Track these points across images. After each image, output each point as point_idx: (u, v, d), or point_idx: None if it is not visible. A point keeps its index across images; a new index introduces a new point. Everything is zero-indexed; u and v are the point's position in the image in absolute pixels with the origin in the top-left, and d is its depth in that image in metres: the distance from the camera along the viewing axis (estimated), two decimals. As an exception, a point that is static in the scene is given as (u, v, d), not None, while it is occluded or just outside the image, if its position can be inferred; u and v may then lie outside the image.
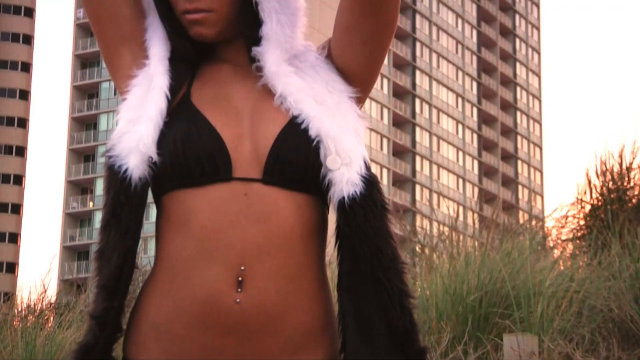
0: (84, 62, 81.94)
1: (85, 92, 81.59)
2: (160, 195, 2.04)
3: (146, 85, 2.06)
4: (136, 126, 2.01)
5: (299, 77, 2.07)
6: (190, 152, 1.99)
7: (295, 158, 1.99)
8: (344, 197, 1.98)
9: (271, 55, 2.07)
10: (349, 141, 2.02)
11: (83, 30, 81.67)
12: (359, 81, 2.12)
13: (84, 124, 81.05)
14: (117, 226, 1.99)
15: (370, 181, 2.01)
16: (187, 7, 2.07)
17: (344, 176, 1.99)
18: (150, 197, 2.07)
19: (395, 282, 1.99)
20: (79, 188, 79.54)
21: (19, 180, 77.78)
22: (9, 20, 79.68)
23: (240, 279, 1.94)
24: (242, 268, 1.95)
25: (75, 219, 78.52)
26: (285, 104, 2.05)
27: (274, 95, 2.06)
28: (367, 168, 2.03)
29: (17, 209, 77.12)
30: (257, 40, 2.09)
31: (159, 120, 2.01)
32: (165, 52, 2.10)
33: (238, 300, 1.94)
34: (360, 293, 2.00)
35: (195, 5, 2.07)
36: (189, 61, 2.12)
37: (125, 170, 1.98)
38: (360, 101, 2.14)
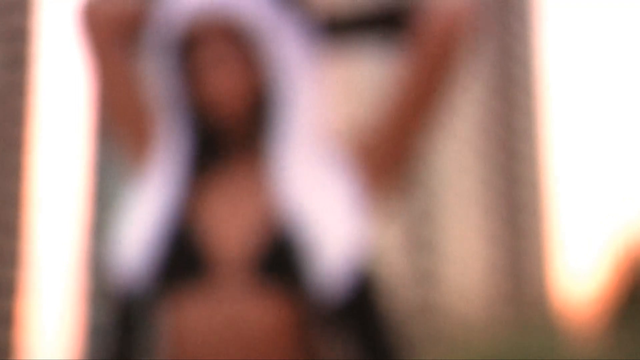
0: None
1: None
2: (155, 304, 2.01)
3: (155, 191, 2.05)
4: (136, 233, 2.01)
5: (300, 165, 2.02)
6: (169, 261, 1.98)
7: (275, 259, 1.94)
8: (317, 286, 1.92)
9: (290, 138, 2.02)
10: (331, 226, 1.95)
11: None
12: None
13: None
14: (115, 332, 1.98)
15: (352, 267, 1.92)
16: (215, 88, 2.04)
17: (319, 266, 1.92)
18: None
19: None
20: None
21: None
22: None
23: None
24: None
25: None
26: (274, 192, 2.01)
27: (266, 190, 2.02)
28: (361, 247, 1.95)
29: None
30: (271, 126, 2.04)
31: (156, 229, 2.00)
32: (182, 155, 2.07)
33: None
34: None
35: (223, 86, 2.03)
36: (203, 160, 2.09)
37: (118, 275, 1.99)
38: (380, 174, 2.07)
